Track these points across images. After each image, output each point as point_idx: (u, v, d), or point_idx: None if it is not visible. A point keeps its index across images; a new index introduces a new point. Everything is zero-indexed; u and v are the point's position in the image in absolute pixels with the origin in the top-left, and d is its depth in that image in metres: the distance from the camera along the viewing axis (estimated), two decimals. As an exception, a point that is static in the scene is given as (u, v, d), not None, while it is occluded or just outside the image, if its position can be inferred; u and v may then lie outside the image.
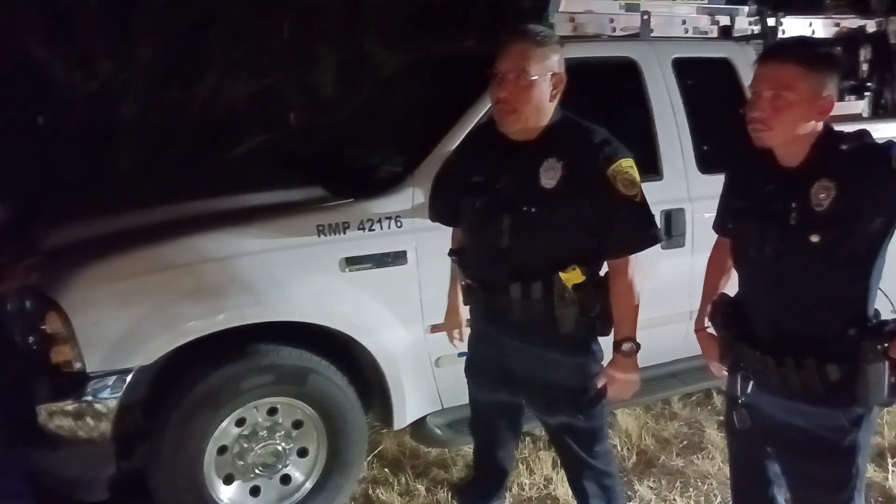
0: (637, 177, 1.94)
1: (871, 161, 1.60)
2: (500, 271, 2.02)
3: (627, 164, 1.92)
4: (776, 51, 1.68)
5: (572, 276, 1.95)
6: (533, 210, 1.93)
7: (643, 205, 1.96)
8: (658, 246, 2.97)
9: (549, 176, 1.93)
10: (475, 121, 2.73)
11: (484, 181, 2.03)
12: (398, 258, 2.64)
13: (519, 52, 1.91)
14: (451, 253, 2.27)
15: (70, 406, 2.32)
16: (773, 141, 1.67)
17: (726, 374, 2.01)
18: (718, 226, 1.99)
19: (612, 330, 2.05)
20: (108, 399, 2.34)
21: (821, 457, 1.72)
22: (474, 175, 2.07)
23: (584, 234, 1.96)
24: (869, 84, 3.90)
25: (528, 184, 1.95)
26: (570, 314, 1.97)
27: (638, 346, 2.01)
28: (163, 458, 2.46)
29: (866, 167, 1.60)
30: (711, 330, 2.00)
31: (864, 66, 3.93)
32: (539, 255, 1.97)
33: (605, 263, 2.04)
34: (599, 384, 2.04)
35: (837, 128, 1.70)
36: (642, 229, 1.98)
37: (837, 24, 3.86)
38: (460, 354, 2.36)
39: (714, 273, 2.05)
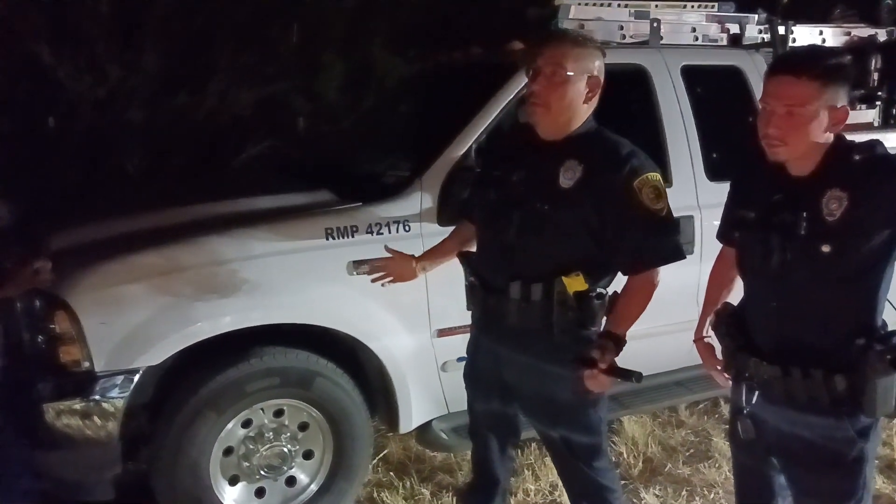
0: (664, 192, 1.92)
1: (885, 171, 1.60)
2: (503, 269, 2.01)
3: (654, 178, 1.91)
4: (789, 65, 1.64)
5: (574, 283, 1.92)
6: (545, 207, 1.93)
7: (669, 219, 1.94)
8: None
9: (568, 176, 1.92)
10: (484, 126, 2.74)
11: (501, 175, 2.04)
12: (406, 262, 2.65)
13: (557, 49, 1.93)
14: (461, 254, 2.25)
15: (78, 405, 2.34)
16: (789, 155, 1.65)
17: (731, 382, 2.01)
18: (722, 235, 1.98)
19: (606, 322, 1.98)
20: (115, 398, 2.35)
21: (826, 468, 1.71)
22: (494, 170, 2.10)
23: (590, 241, 1.95)
24: (880, 93, 3.89)
25: (546, 181, 1.94)
26: (567, 323, 1.94)
27: (624, 343, 1.93)
28: (167, 459, 2.47)
29: (880, 177, 1.59)
30: (711, 340, 1.98)
31: (875, 76, 3.92)
32: (542, 255, 1.96)
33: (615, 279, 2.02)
34: (577, 374, 1.93)
35: (848, 137, 1.69)
36: (665, 243, 1.95)
37: (848, 34, 3.85)
38: (459, 359, 2.35)
39: (716, 284, 2.03)
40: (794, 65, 1.63)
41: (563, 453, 2.13)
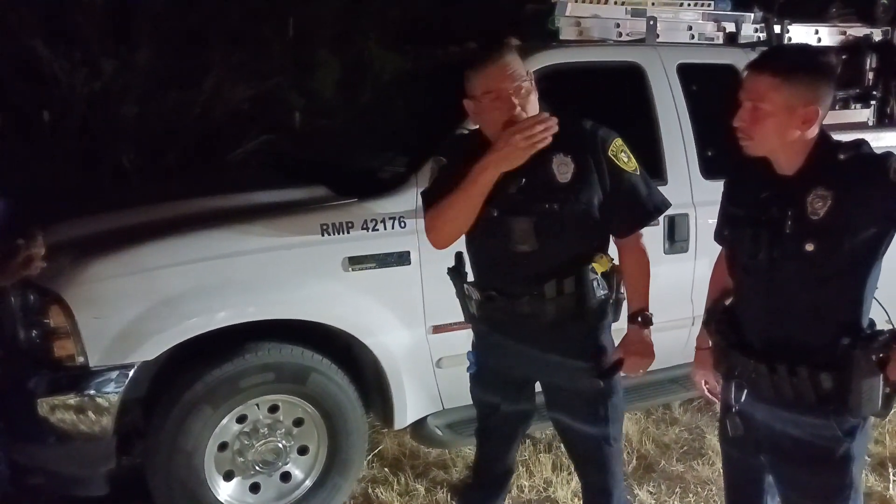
0: (630, 151, 2.00)
1: (870, 171, 1.60)
2: (529, 275, 1.98)
3: (621, 143, 1.98)
4: (756, 61, 1.68)
5: (601, 265, 1.98)
6: (555, 207, 1.93)
7: (644, 175, 2.02)
8: (661, 251, 2.99)
9: (563, 171, 1.93)
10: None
11: (494, 190, 1.95)
12: (401, 258, 2.65)
13: (503, 67, 1.90)
14: (454, 270, 2.18)
15: (72, 400, 2.33)
16: (757, 150, 1.68)
17: (707, 392, 2.03)
18: (718, 234, 1.97)
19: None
20: (110, 394, 2.35)
21: (813, 466, 1.72)
22: None
23: (600, 220, 1.97)
24: (874, 92, 3.90)
25: (544, 182, 1.94)
26: (599, 301, 2.00)
27: (651, 316, 2.04)
28: (162, 455, 2.47)
29: (864, 177, 1.59)
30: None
31: (870, 75, 3.93)
32: (566, 251, 1.97)
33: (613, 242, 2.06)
34: (615, 357, 2.03)
35: (839, 136, 1.69)
36: (649, 199, 2.02)
37: (844, 33, 3.86)
38: (468, 369, 2.30)
39: (717, 288, 1.99)
40: (757, 61, 1.67)
41: (581, 441, 2.13)
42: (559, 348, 2.03)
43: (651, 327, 2.04)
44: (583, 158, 1.94)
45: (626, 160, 1.97)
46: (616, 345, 2.07)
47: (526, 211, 1.95)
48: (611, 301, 2.04)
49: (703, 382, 2.04)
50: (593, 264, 1.97)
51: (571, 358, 2.03)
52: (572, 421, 2.13)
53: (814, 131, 1.63)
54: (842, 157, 1.63)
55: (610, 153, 1.95)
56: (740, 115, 1.66)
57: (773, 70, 1.61)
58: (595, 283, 1.98)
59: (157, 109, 5.39)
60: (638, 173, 1.99)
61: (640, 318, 2.03)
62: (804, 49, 1.75)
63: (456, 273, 2.18)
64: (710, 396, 2.04)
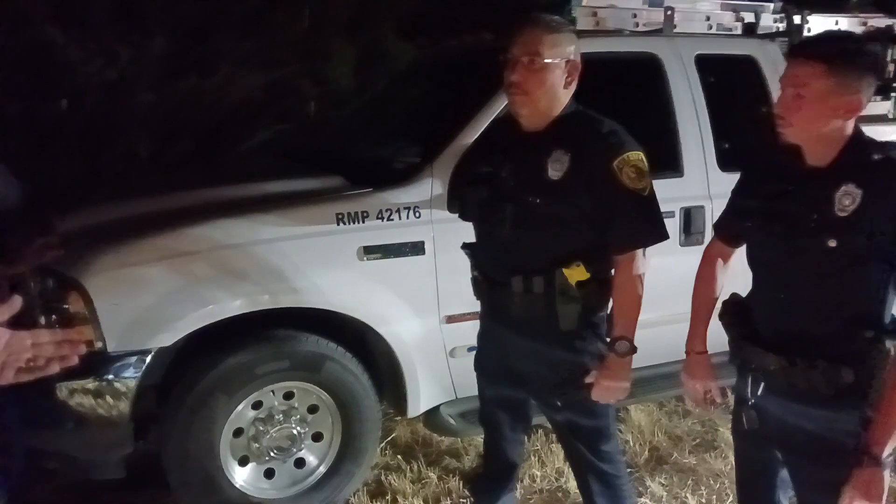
0: (645, 170, 1.89)
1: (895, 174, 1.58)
2: (503, 264, 2.00)
3: (636, 157, 1.87)
4: (801, 47, 1.66)
5: (575, 273, 1.90)
6: (537, 201, 1.90)
7: (650, 200, 1.91)
8: (676, 243, 2.97)
9: (556, 168, 1.89)
10: (494, 113, 2.73)
11: (491, 171, 2.02)
12: (416, 248, 2.66)
13: (532, 37, 1.89)
14: (464, 246, 2.25)
15: (90, 384, 2.36)
16: (796, 137, 1.65)
17: (705, 402, 1.98)
18: (721, 226, 1.94)
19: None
20: (127, 379, 2.37)
21: (829, 460, 1.69)
22: (483, 166, 2.07)
23: (588, 229, 1.92)
24: (895, 84, 3.85)
25: (534, 174, 1.92)
26: (571, 311, 1.93)
27: (634, 348, 1.94)
28: (178, 440, 2.50)
29: (892, 179, 1.57)
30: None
31: (891, 66, 3.88)
32: (541, 249, 1.94)
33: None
34: (587, 380, 1.98)
35: (867, 132, 1.67)
36: (646, 224, 1.92)
37: (864, 23, 3.82)
38: (470, 349, 2.35)
39: (704, 288, 1.95)
40: (802, 47, 1.65)
41: (569, 437, 2.14)
42: (534, 340, 2.02)
43: (634, 355, 1.94)
44: (581, 160, 1.88)
45: (633, 176, 1.85)
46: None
47: (510, 198, 1.95)
48: (592, 314, 1.97)
49: (701, 391, 1.97)
50: (564, 269, 1.90)
51: (546, 348, 2.01)
52: (551, 411, 2.13)
53: (852, 123, 1.62)
54: (875, 156, 1.60)
55: (615, 164, 1.85)
56: (781, 101, 1.63)
57: (819, 57, 1.58)
58: (566, 290, 1.91)
59: (173, 98, 5.41)
60: (644, 193, 1.88)
61: (615, 347, 1.93)
62: (850, 37, 1.71)
63: (467, 249, 2.21)
64: (707, 406, 1.99)
